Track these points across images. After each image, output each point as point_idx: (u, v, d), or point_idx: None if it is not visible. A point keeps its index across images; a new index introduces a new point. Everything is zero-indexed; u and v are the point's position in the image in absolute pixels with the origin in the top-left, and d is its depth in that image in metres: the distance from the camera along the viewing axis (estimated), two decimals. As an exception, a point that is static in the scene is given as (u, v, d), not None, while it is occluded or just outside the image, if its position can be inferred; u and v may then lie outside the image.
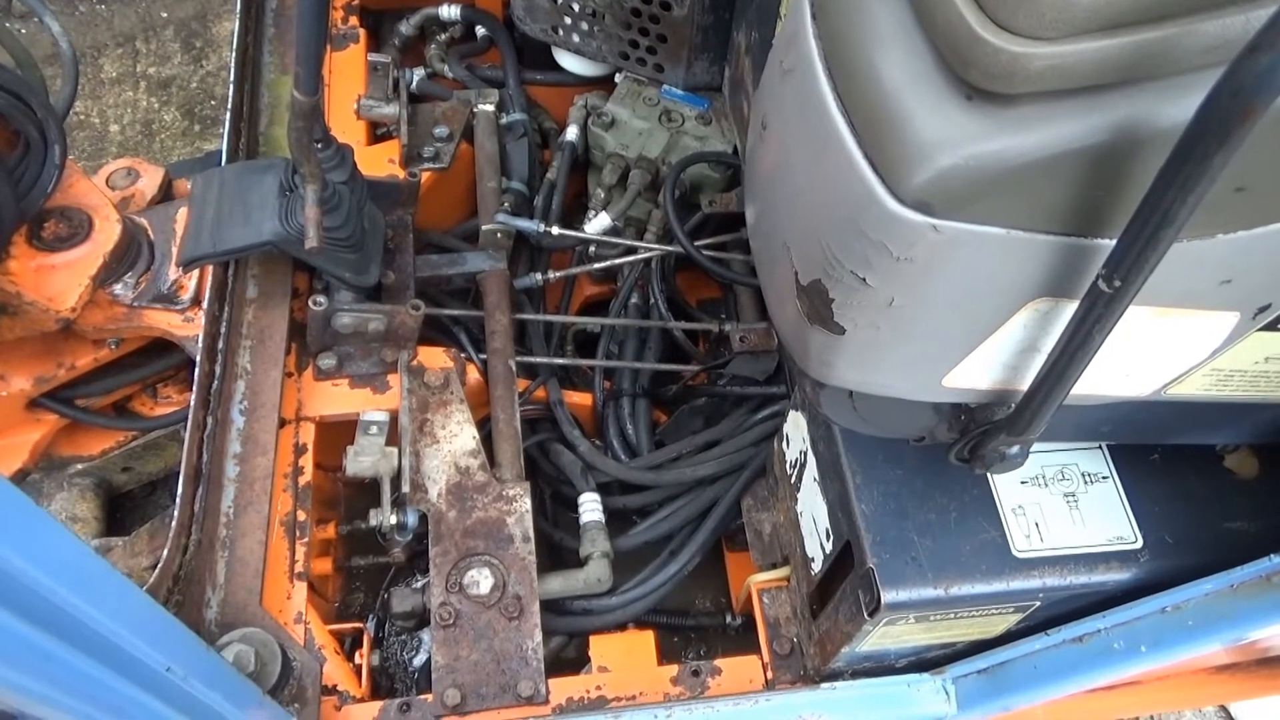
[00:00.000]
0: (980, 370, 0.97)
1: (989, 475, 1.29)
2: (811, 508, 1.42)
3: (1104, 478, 1.31)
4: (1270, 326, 0.93)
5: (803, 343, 1.02)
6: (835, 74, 0.85)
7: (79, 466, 1.99)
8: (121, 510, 2.19)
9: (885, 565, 1.21)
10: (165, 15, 3.42)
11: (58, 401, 1.79)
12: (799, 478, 1.49)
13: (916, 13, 0.78)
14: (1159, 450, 1.33)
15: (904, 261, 0.82)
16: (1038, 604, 1.26)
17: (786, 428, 1.54)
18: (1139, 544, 1.26)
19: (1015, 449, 1.04)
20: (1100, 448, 1.33)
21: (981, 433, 1.04)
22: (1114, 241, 0.74)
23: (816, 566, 1.42)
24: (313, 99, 1.34)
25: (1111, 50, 0.67)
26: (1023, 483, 1.29)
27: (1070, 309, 0.83)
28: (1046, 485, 1.30)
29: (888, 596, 1.20)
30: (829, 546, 1.36)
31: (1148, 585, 1.21)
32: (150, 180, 1.96)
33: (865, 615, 1.23)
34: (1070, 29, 0.67)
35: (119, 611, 0.85)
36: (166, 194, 1.99)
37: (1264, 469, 1.34)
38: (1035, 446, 1.30)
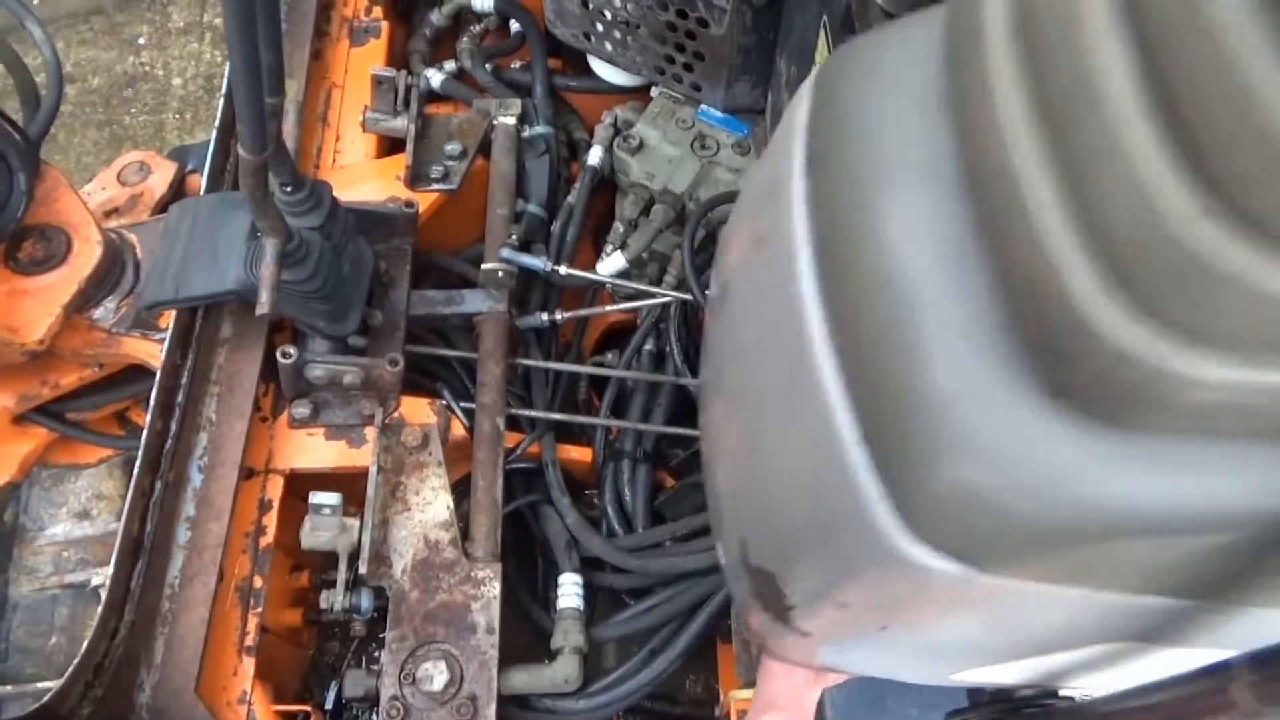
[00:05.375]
0: (1006, 673, 0.73)
1: None
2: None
3: None
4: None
5: (753, 614, 0.73)
6: (831, 278, 0.53)
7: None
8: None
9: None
10: (229, -35, 3.31)
11: (48, 416, 1.75)
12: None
13: (989, 241, 0.46)
14: None
15: (911, 599, 0.56)
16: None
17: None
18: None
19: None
20: None
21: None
22: (1257, 608, 0.50)
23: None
24: (260, 157, 1.20)
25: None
26: None
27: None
28: None
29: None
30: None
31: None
32: (162, 176, 1.89)
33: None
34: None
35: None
36: (179, 191, 1.91)
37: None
38: None
